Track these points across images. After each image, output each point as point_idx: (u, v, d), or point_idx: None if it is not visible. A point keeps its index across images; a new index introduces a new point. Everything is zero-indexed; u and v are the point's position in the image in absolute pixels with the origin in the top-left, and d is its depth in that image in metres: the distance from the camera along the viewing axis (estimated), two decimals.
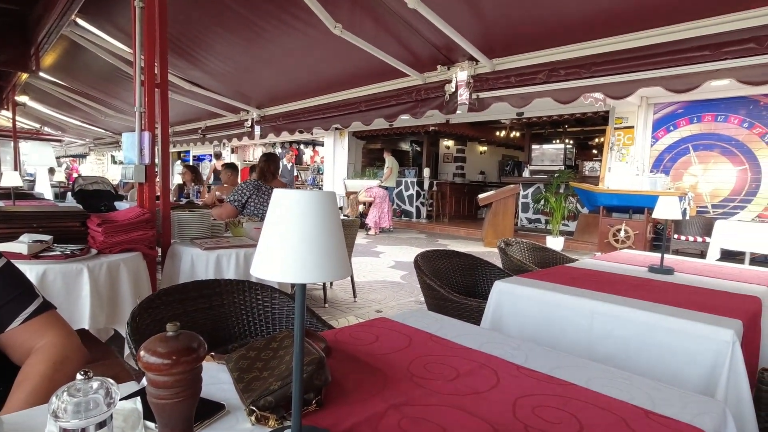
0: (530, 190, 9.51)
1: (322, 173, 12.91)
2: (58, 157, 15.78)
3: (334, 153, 11.99)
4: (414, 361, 0.99)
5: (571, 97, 2.88)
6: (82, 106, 8.03)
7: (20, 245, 1.83)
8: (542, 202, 8.13)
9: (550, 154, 9.77)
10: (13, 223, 1.99)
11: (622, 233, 6.28)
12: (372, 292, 4.45)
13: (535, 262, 2.88)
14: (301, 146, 14.78)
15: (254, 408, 0.75)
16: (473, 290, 2.53)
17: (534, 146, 10.24)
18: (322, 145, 13.02)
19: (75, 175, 14.18)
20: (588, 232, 7.85)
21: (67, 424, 0.52)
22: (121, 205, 3.71)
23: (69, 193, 4.91)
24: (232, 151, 14.03)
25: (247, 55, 4.41)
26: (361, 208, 9.31)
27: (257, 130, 5.59)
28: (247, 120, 5.74)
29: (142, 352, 0.49)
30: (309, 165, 14.80)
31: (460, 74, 3.41)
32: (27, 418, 0.72)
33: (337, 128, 4.96)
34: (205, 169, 11.51)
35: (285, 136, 6.06)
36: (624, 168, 7.32)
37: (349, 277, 4.27)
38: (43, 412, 0.73)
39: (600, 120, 8.76)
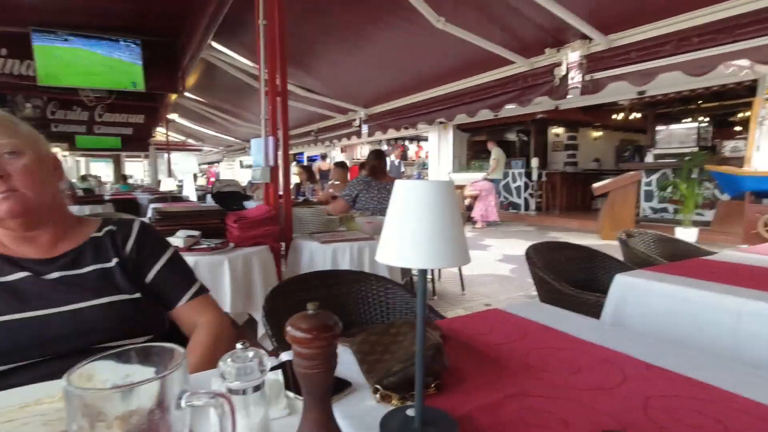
0: (654, 177, 8.49)
1: (427, 168, 12.99)
2: (199, 164, 18.11)
3: (438, 147, 11.98)
4: (530, 352, 0.98)
5: (707, 67, 2.53)
6: (217, 119, 9.14)
7: (178, 239, 2.17)
8: (670, 189, 7.19)
9: (679, 135, 8.64)
10: (172, 221, 2.38)
11: None
12: (480, 286, 4.39)
13: (663, 255, 2.60)
14: (406, 142, 15.02)
15: (378, 387, 0.81)
16: (590, 284, 2.36)
17: (659, 127, 9.13)
18: (427, 139, 13.09)
19: (213, 179, 16.25)
20: (729, 222, 6.80)
21: (232, 385, 0.63)
22: (249, 204, 4.15)
23: (208, 195, 5.66)
24: (341, 151, 14.79)
25: (354, 58, 4.63)
26: (467, 201, 9.19)
27: (364, 128, 5.83)
28: (354, 120, 6.01)
29: (288, 327, 0.56)
30: (414, 160, 14.99)
31: (571, 55, 3.20)
32: (194, 382, 0.87)
33: (441, 122, 4.98)
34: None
35: (391, 133, 6.24)
36: None
37: (458, 270, 4.27)
38: (204, 377, 0.87)
39: (745, 92, 7.51)
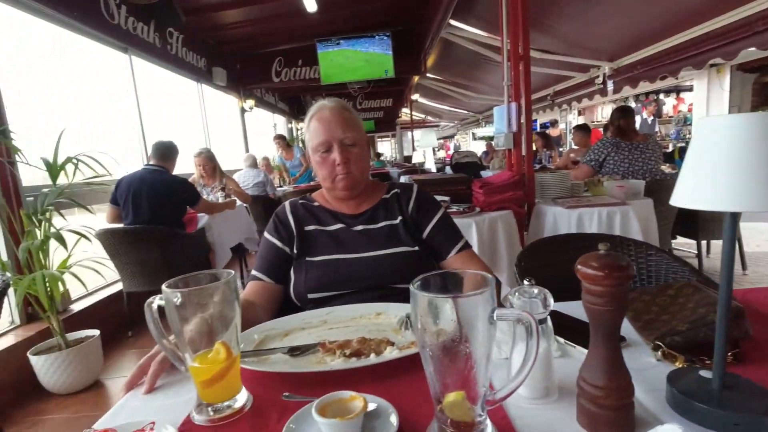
0: None
1: (690, 124, 10.69)
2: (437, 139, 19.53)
3: (707, 97, 9.64)
4: None
5: None
6: (452, 94, 9.61)
7: None
8: None
9: None
10: (428, 188, 2.69)
11: None
12: None
13: None
14: (661, 96, 12.63)
15: (660, 344, 0.78)
16: None
17: None
18: (690, 89, 10.71)
19: (449, 152, 17.39)
20: None
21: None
22: (485, 174, 4.28)
23: (447, 167, 6.09)
24: (579, 113, 13.50)
25: (595, 7, 4.14)
26: None
27: (609, 85, 5.20)
28: (597, 77, 5.42)
29: (578, 266, 0.60)
30: (671, 116, 12.53)
31: None
32: None
33: (714, 64, 4.01)
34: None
35: (641, 87, 5.37)
36: None
37: (737, 244, 3.48)
38: None
39: None
